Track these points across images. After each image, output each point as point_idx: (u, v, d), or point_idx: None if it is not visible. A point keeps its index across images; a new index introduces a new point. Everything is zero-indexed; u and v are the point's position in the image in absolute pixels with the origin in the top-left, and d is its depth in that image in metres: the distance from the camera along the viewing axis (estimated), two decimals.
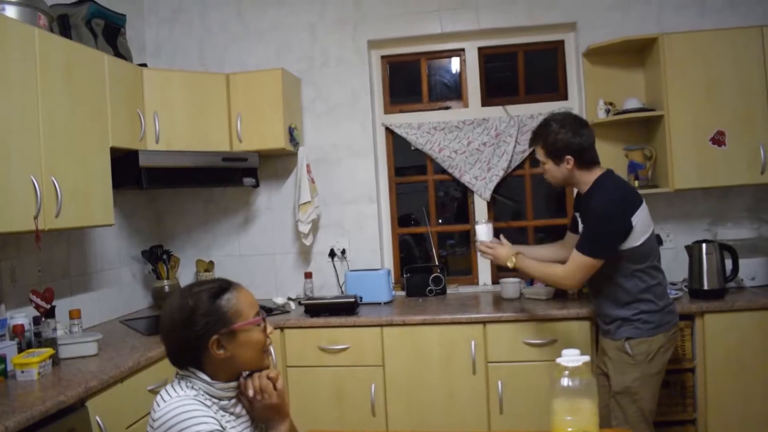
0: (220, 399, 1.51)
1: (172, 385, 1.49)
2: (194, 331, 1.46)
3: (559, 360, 1.60)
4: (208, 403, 1.47)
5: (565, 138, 2.48)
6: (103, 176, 2.80)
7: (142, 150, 3.09)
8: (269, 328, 1.58)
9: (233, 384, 1.54)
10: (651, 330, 2.45)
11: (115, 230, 3.44)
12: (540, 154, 2.58)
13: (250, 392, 1.56)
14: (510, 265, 2.66)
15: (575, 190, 2.71)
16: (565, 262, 2.61)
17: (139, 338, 2.88)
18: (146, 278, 3.73)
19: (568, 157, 2.49)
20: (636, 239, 2.41)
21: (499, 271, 3.76)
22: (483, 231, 2.80)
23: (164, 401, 1.44)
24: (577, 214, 2.69)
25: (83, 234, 3.20)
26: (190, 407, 1.42)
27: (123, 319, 3.38)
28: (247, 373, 1.58)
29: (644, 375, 2.45)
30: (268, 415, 1.58)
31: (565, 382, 1.58)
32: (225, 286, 1.54)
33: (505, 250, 2.69)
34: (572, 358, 1.60)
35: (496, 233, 2.86)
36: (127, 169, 3.06)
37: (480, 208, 3.81)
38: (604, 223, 2.42)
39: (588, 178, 2.52)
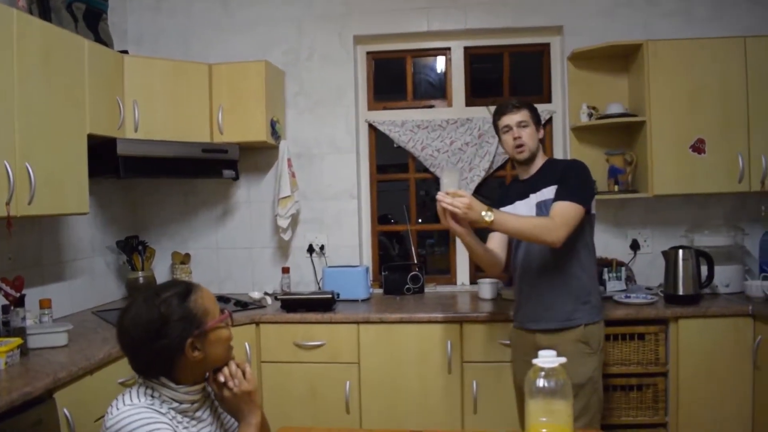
0: (181, 403, 1.49)
1: (129, 393, 1.47)
2: (170, 339, 1.44)
3: (535, 361, 1.60)
4: (164, 409, 1.46)
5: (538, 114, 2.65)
6: (79, 164, 2.74)
7: (121, 138, 3.03)
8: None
9: (199, 386, 1.54)
10: (600, 314, 2.51)
11: (89, 219, 3.38)
12: (525, 116, 2.56)
13: (222, 378, 1.55)
14: (488, 219, 2.20)
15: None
16: (498, 263, 2.61)
17: (111, 330, 2.82)
18: (120, 269, 3.67)
19: (541, 128, 2.63)
20: (594, 205, 2.53)
21: (478, 271, 3.76)
22: (453, 180, 2.30)
23: (117, 409, 1.43)
24: (508, 207, 2.58)
25: (57, 222, 3.14)
26: (144, 415, 1.41)
27: (95, 310, 3.32)
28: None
29: (600, 362, 2.48)
30: (240, 404, 1.57)
31: (541, 383, 1.58)
32: (189, 287, 1.54)
33: (479, 203, 2.21)
34: (548, 359, 1.59)
35: (485, 237, 2.76)
36: (105, 158, 3.00)
37: None
38: (585, 174, 2.50)
39: (540, 158, 2.62)
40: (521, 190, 2.61)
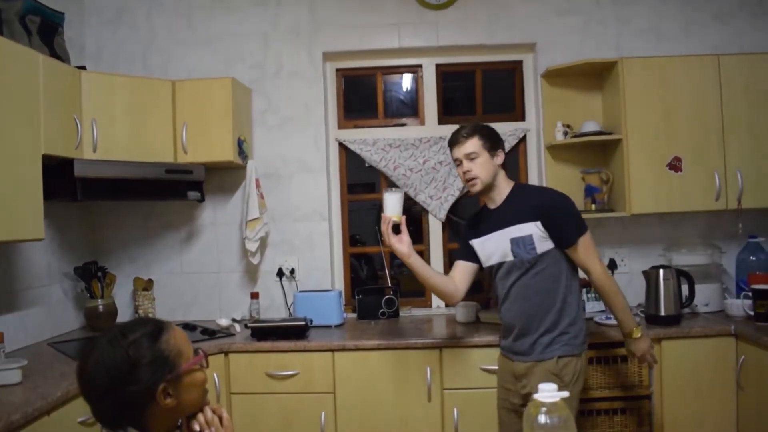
0: None
1: None
2: (140, 385, 1.29)
3: (536, 396, 1.50)
4: None
5: (497, 135, 2.52)
6: (33, 186, 2.54)
7: (78, 159, 2.85)
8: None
9: None
10: (578, 347, 2.42)
11: (45, 245, 3.17)
12: (474, 146, 2.43)
13: (197, 427, 1.40)
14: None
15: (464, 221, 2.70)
16: (454, 297, 2.60)
17: (69, 363, 2.63)
18: (78, 297, 3.46)
19: (500, 151, 2.49)
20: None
21: None
22: (396, 203, 2.49)
23: None
24: (476, 240, 2.56)
25: (9, 248, 2.93)
26: None
27: (52, 341, 3.10)
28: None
29: (572, 397, 2.35)
30: None
31: (543, 419, 1.48)
32: (160, 326, 1.38)
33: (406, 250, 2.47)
34: (549, 393, 1.49)
35: None
36: (61, 179, 2.81)
37: (435, 228, 3.71)
38: (568, 202, 2.46)
39: (506, 184, 2.51)
40: (493, 221, 2.50)
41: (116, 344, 1.31)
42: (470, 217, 2.70)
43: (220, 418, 1.43)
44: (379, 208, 3.82)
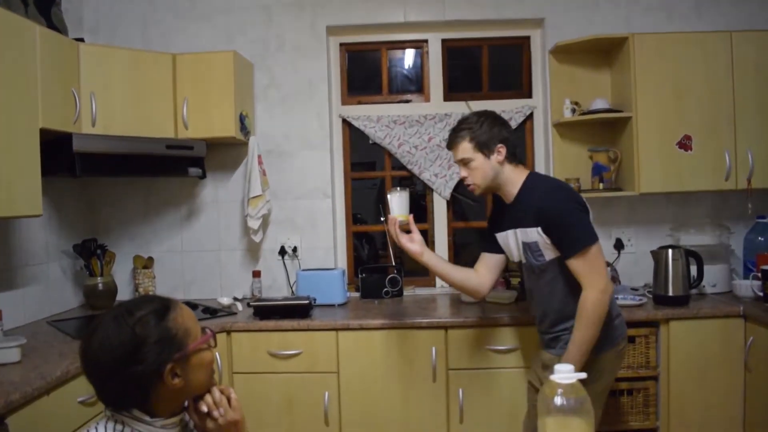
0: None
1: (96, 429, 1.27)
2: (146, 364, 1.23)
3: (552, 377, 1.46)
4: None
5: (492, 128, 2.29)
6: (31, 161, 2.49)
7: (77, 133, 2.78)
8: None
9: (176, 418, 1.34)
10: (605, 346, 2.25)
11: (43, 221, 3.11)
12: (465, 151, 2.30)
13: (205, 408, 1.36)
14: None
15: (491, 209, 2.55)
16: (480, 292, 2.51)
17: (68, 342, 2.59)
18: (77, 275, 3.41)
19: (500, 146, 2.27)
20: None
21: None
22: (402, 204, 2.46)
23: None
24: (498, 234, 2.44)
25: (7, 225, 2.87)
26: None
27: (50, 319, 3.06)
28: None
29: (596, 393, 2.21)
30: None
31: (559, 400, 1.45)
32: (167, 304, 1.33)
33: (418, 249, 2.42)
34: (566, 374, 1.46)
35: (466, 236, 2.68)
36: (59, 154, 2.75)
37: (439, 207, 3.66)
38: (569, 210, 2.19)
39: (517, 177, 2.31)
40: (509, 218, 2.36)
41: (122, 322, 1.26)
42: (493, 207, 2.54)
43: (228, 399, 1.38)
44: (380, 186, 3.78)
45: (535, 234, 2.24)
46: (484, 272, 2.51)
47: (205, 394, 1.37)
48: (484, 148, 2.28)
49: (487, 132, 2.28)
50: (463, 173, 2.35)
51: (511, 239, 2.37)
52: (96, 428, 1.27)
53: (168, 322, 1.29)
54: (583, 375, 1.46)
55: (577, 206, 2.22)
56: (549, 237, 2.21)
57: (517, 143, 2.36)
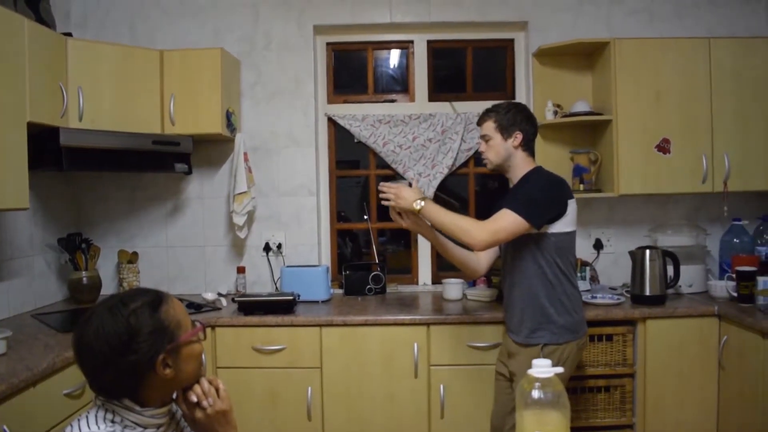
0: (146, 428, 1.33)
1: (86, 419, 1.29)
2: (140, 354, 1.27)
3: (529, 371, 1.51)
4: None
5: (517, 117, 2.49)
6: (18, 155, 2.49)
7: (64, 128, 2.79)
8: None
9: (165, 408, 1.37)
10: (568, 336, 2.39)
11: (28, 215, 3.12)
12: (488, 129, 2.50)
13: (194, 398, 1.39)
14: (416, 207, 2.36)
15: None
16: (475, 270, 2.65)
17: (53, 335, 2.60)
18: (62, 268, 3.41)
19: (517, 133, 2.47)
20: (567, 224, 2.40)
21: (440, 270, 3.69)
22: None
23: None
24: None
25: None
26: None
27: (35, 313, 3.06)
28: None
29: None
30: (214, 426, 1.41)
31: (536, 394, 1.49)
32: (160, 296, 1.37)
33: (411, 192, 2.40)
34: (544, 369, 1.51)
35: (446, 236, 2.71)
36: (46, 148, 2.76)
37: None
38: (539, 190, 2.38)
39: (524, 165, 2.50)
40: (506, 198, 2.50)
41: (116, 313, 1.29)
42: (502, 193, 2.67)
43: (217, 390, 1.42)
44: (364, 184, 3.81)
45: None
46: (482, 254, 2.64)
47: (194, 384, 1.40)
48: (504, 131, 2.48)
49: (510, 119, 2.48)
50: (482, 148, 2.55)
51: None
52: (87, 417, 1.29)
53: (161, 314, 1.32)
54: (560, 369, 1.50)
55: (550, 193, 2.38)
56: None
57: (533, 135, 2.53)
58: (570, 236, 2.44)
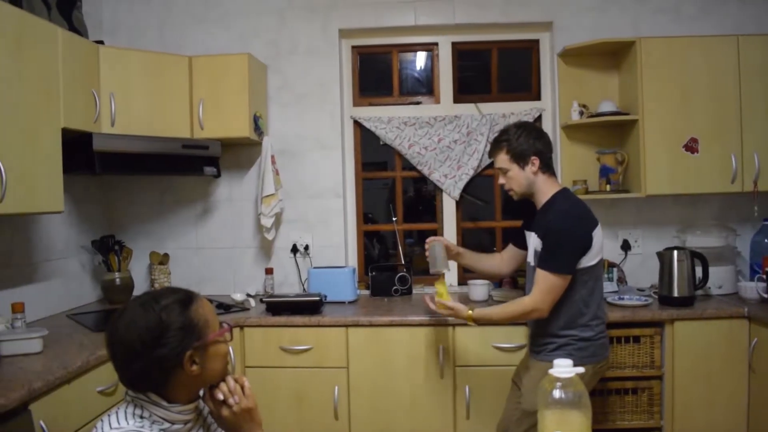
0: (173, 423, 1.37)
1: (116, 414, 1.34)
2: (169, 348, 1.31)
3: (551, 371, 1.52)
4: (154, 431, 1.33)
5: (528, 140, 2.44)
6: (53, 159, 2.58)
7: (97, 133, 2.88)
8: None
9: (192, 405, 1.41)
10: (584, 359, 2.32)
11: (63, 218, 3.22)
12: (503, 162, 2.47)
13: (220, 396, 1.43)
14: (473, 317, 2.51)
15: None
16: (499, 275, 2.80)
17: (87, 334, 2.68)
18: (96, 270, 3.51)
19: (533, 158, 2.42)
20: (591, 258, 2.35)
21: (465, 271, 3.69)
22: (439, 257, 2.72)
23: None
24: (528, 233, 2.55)
25: (29, 221, 2.98)
26: None
27: (70, 313, 3.15)
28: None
29: None
30: (240, 423, 1.45)
31: (557, 393, 1.50)
32: (190, 295, 1.41)
33: (462, 306, 2.55)
34: (565, 369, 1.51)
35: (472, 237, 2.76)
36: (80, 153, 2.84)
37: (448, 207, 3.72)
38: (566, 236, 2.32)
39: (548, 188, 2.45)
40: (536, 222, 2.48)
41: (149, 308, 1.34)
42: (529, 206, 2.60)
43: (242, 387, 1.45)
44: (391, 186, 3.84)
45: (540, 244, 2.39)
46: (507, 260, 2.76)
47: (220, 382, 1.44)
48: (519, 159, 2.44)
49: (523, 144, 2.43)
50: (502, 180, 2.53)
51: (532, 240, 2.48)
52: (117, 413, 1.34)
53: (191, 312, 1.37)
54: (581, 369, 1.51)
55: (575, 236, 2.33)
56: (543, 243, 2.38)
57: (549, 153, 2.48)
58: (595, 268, 2.38)
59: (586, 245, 2.33)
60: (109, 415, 1.34)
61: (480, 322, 2.53)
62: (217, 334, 1.40)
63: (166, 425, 1.36)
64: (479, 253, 2.91)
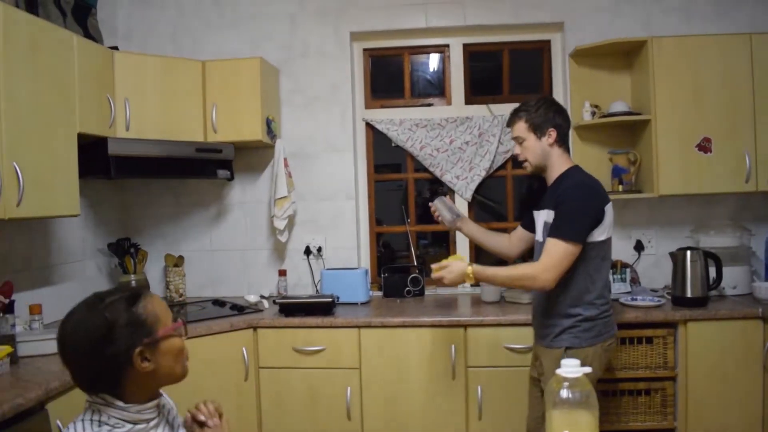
0: (136, 424, 1.36)
1: (75, 425, 1.34)
2: (117, 346, 1.30)
3: (558, 371, 1.52)
4: None
5: (548, 113, 2.43)
6: (69, 163, 2.63)
7: (112, 137, 2.92)
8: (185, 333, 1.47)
9: (153, 404, 1.41)
10: (590, 339, 2.33)
11: (80, 221, 3.27)
12: (520, 131, 2.44)
13: (201, 417, 1.49)
14: (468, 281, 2.38)
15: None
16: (507, 256, 2.73)
17: None
18: (112, 272, 3.56)
19: (551, 130, 2.41)
20: (602, 232, 2.32)
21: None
22: (445, 203, 2.74)
23: None
24: (536, 212, 2.54)
25: (46, 224, 3.03)
26: None
27: None
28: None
29: None
30: None
31: (565, 393, 1.50)
32: (137, 292, 1.41)
33: (458, 265, 2.40)
34: (572, 368, 1.52)
35: None
36: (95, 157, 2.88)
37: (461, 208, 3.71)
38: (580, 205, 2.29)
39: (562, 163, 2.44)
40: (545, 198, 2.47)
41: (94, 308, 1.34)
42: (539, 187, 2.62)
43: (220, 415, 1.53)
44: (404, 188, 3.86)
45: (550, 216, 2.35)
46: (515, 241, 2.74)
47: (199, 404, 1.53)
48: (537, 130, 2.42)
49: (542, 116, 2.42)
50: (517, 150, 2.51)
51: (541, 218, 2.47)
52: (75, 424, 1.34)
53: (138, 308, 1.35)
54: (588, 369, 1.52)
55: (589, 206, 2.30)
56: (554, 212, 2.34)
57: (567, 128, 2.47)
58: (605, 244, 2.35)
59: (599, 217, 2.31)
60: (68, 428, 1.34)
61: (479, 278, 2.39)
62: (168, 329, 1.39)
63: (128, 426, 1.35)
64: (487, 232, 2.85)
